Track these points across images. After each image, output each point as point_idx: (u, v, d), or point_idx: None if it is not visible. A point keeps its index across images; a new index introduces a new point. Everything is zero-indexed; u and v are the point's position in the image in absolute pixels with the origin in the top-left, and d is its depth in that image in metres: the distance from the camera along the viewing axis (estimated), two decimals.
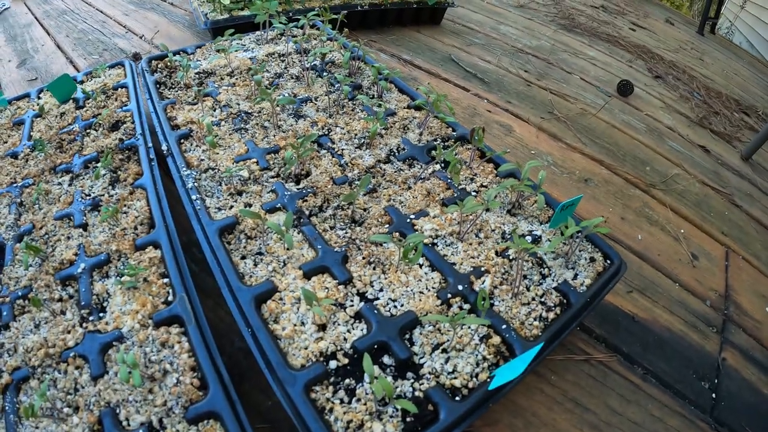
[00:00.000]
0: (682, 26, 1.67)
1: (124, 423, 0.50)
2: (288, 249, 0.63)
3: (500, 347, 0.56)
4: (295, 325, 0.56)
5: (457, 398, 0.52)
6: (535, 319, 0.59)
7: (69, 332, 0.58)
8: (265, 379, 0.64)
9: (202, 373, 0.53)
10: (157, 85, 0.94)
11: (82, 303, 0.61)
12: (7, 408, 0.53)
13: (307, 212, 0.68)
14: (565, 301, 0.62)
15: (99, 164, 0.79)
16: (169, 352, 0.55)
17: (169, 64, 0.99)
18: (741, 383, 0.73)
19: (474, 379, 0.53)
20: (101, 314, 0.60)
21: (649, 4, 1.83)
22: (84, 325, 0.59)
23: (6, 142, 0.91)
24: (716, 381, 0.72)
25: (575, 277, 0.65)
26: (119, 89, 0.96)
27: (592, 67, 1.33)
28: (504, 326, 0.57)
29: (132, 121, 0.87)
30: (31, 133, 0.91)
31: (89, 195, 0.75)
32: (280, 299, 0.58)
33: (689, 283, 0.86)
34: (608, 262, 0.68)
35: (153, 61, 1.00)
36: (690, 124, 1.20)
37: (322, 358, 0.54)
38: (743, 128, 1.25)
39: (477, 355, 0.55)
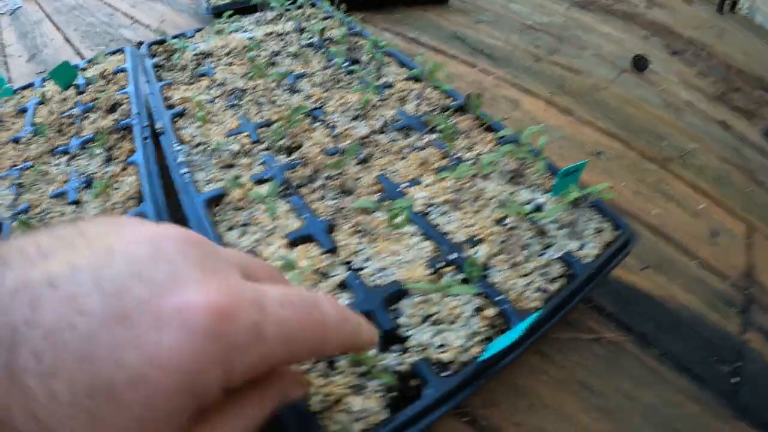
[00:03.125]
0: (700, 5, 1.57)
1: None
2: (276, 219, 0.59)
3: (495, 320, 0.51)
4: None
5: (446, 373, 0.47)
6: (534, 291, 0.54)
7: None
8: None
9: None
10: (156, 68, 0.91)
11: None
12: None
13: (295, 183, 0.64)
14: (569, 272, 0.56)
15: (94, 144, 0.77)
16: None
17: (168, 48, 0.96)
18: (765, 368, 0.66)
19: (465, 353, 0.48)
20: None
21: None
22: None
23: (9, 129, 0.90)
24: (738, 364, 0.65)
25: (581, 248, 0.59)
26: (119, 74, 0.94)
27: (605, 43, 1.26)
28: (499, 297, 0.52)
29: (129, 102, 0.85)
30: (34, 119, 0.90)
31: (84, 174, 0.73)
32: None
33: (708, 261, 0.79)
34: (618, 232, 0.61)
35: (153, 46, 0.98)
36: (709, 100, 1.13)
37: None
38: (764, 105, 1.17)
39: (469, 327, 0.50)
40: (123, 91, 0.88)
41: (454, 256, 0.55)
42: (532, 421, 0.56)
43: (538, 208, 0.62)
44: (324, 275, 0.53)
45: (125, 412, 0.17)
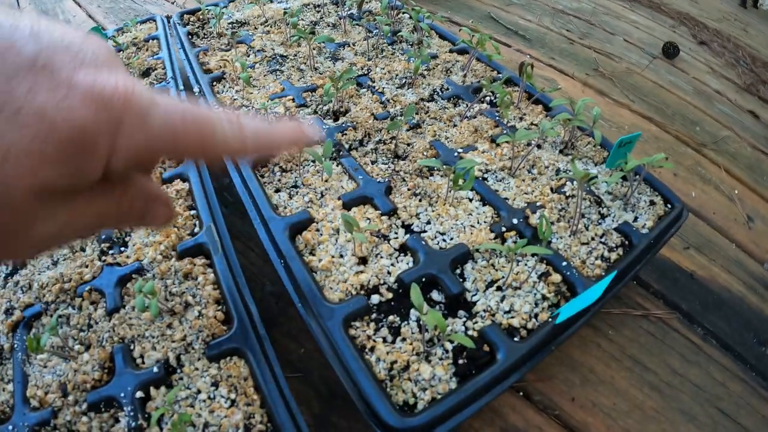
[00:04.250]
0: None
1: (138, 360, 0.44)
2: (326, 180, 0.55)
3: (560, 286, 0.48)
4: (333, 256, 0.48)
5: (516, 339, 0.43)
6: (596, 259, 0.51)
7: (87, 266, 0.52)
8: (297, 326, 0.57)
9: (227, 306, 0.46)
10: (190, 36, 0.87)
11: (103, 237, 0.55)
12: (16, 346, 0.47)
13: (346, 146, 0.60)
14: (627, 242, 0.53)
15: None
16: (192, 283, 0.49)
17: (201, 17, 0.92)
18: None
19: (533, 319, 0.45)
20: (122, 248, 0.54)
21: None
22: (103, 258, 0.53)
23: None
24: None
25: (635, 219, 0.56)
26: (150, 41, 0.90)
27: (634, 29, 1.23)
28: (564, 264, 0.49)
29: (163, 67, 0.81)
30: None
31: None
32: (317, 230, 0.51)
33: (746, 245, 0.76)
34: (668, 206, 0.58)
35: (185, 15, 0.94)
36: (738, 90, 1.09)
37: (363, 292, 0.46)
38: None
39: (535, 293, 0.47)
40: (156, 56, 0.84)
41: (516, 221, 0.52)
42: (587, 395, 0.53)
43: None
44: (385, 237, 0.50)
45: (21, 134, 0.18)
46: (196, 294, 0.47)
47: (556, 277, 0.48)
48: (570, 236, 0.52)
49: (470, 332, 0.44)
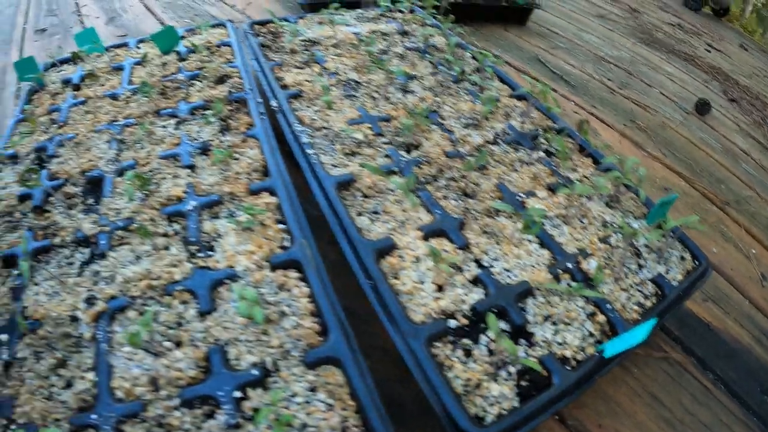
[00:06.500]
0: (756, 53, 1.67)
1: (234, 362, 0.50)
2: (405, 210, 0.65)
3: (604, 326, 0.58)
4: (414, 282, 0.58)
5: (568, 368, 0.54)
6: (634, 304, 0.62)
7: (176, 266, 0.58)
8: (365, 341, 0.66)
9: (323, 318, 0.54)
10: (262, 48, 0.96)
11: (190, 239, 0.62)
12: (99, 336, 0.52)
13: (422, 180, 0.70)
14: (659, 292, 0.64)
15: (209, 111, 0.81)
16: (287, 295, 0.56)
17: (273, 29, 1.01)
18: None
19: (582, 352, 0.56)
20: (210, 252, 0.61)
21: (723, 28, 1.83)
22: (193, 260, 0.59)
23: (104, 85, 0.94)
24: None
25: (667, 272, 0.66)
26: (222, 47, 0.99)
27: (670, 82, 1.34)
28: (608, 306, 0.59)
29: (238, 76, 0.90)
30: (132, 78, 0.94)
31: (197, 139, 0.77)
32: (400, 256, 0.60)
33: (758, 301, 0.87)
34: (696, 262, 0.69)
35: (255, 26, 1.03)
36: (762, 150, 1.21)
37: (442, 316, 0.55)
38: None
39: (583, 330, 0.57)
40: (231, 64, 0.93)
41: (570, 265, 0.63)
42: (612, 424, 0.63)
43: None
44: (459, 269, 0.60)
45: None
46: (291, 305, 0.55)
47: (602, 318, 0.58)
48: (613, 282, 0.63)
49: (530, 359, 0.54)
